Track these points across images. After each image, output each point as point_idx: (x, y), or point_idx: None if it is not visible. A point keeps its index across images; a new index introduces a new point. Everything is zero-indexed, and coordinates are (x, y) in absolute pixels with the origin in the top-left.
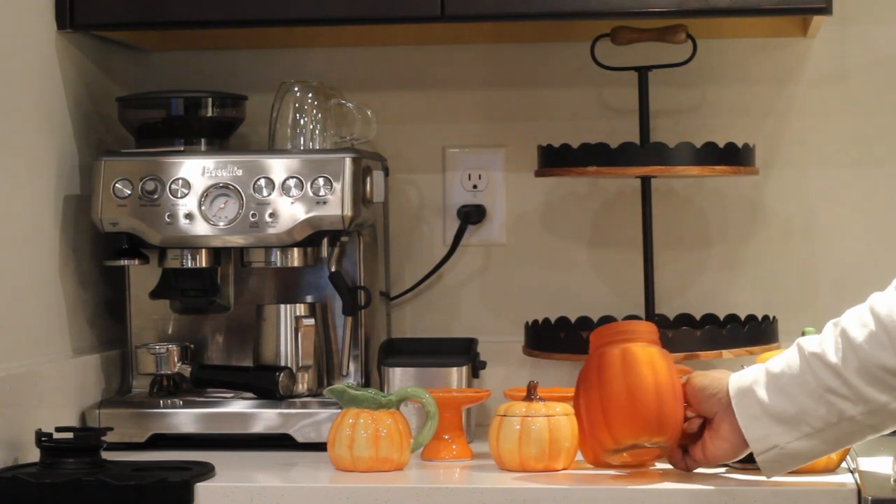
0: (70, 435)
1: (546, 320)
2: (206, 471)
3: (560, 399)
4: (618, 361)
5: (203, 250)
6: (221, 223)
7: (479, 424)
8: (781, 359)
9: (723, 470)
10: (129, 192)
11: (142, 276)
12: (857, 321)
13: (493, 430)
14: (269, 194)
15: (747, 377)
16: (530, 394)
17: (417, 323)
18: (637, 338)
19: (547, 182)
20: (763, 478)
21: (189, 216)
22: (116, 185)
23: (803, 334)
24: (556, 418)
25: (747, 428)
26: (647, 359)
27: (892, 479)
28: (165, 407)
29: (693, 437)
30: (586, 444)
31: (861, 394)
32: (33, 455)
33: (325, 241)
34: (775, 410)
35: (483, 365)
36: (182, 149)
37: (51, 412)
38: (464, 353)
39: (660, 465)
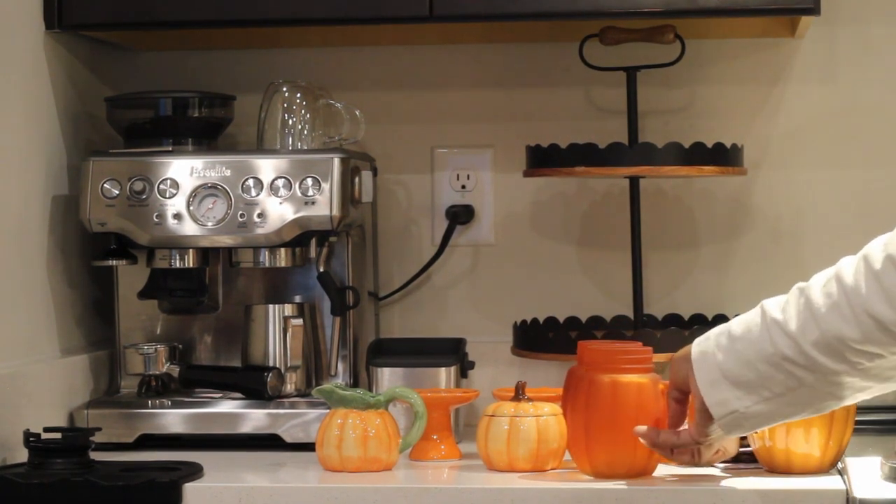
0: (58, 435)
1: (534, 320)
2: (194, 471)
3: (548, 399)
4: (583, 395)
5: (191, 250)
6: (210, 223)
7: (467, 425)
8: (743, 321)
9: (717, 470)
10: (117, 192)
11: (130, 277)
12: (822, 290)
13: (481, 431)
14: (258, 194)
15: (709, 340)
16: (518, 394)
17: (406, 323)
18: (610, 368)
19: (535, 182)
20: (751, 479)
21: (177, 216)
22: (104, 185)
23: None
24: (544, 418)
25: (706, 392)
26: (609, 392)
27: (880, 479)
28: (154, 407)
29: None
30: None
31: (816, 362)
32: (21, 455)
33: (314, 241)
34: (733, 374)
35: (471, 365)
36: (170, 149)
37: (39, 412)
38: (452, 353)
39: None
